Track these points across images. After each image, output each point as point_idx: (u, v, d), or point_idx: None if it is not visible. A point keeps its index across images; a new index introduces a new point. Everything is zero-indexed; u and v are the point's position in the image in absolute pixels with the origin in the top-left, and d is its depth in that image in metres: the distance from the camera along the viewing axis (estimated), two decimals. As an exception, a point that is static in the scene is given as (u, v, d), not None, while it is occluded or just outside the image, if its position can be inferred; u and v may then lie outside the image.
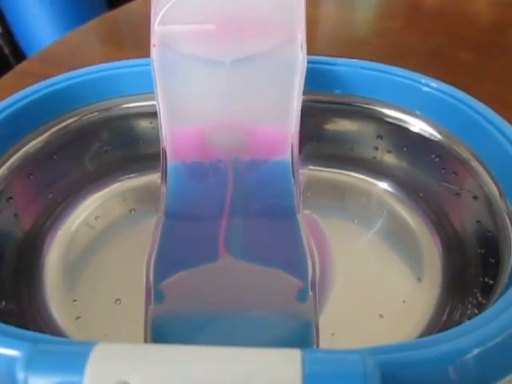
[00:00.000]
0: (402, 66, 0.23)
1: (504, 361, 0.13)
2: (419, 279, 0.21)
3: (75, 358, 0.11)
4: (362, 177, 0.25)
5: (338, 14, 0.47)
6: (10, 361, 0.12)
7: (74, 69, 0.23)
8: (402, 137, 0.23)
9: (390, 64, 0.23)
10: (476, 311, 0.18)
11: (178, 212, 0.21)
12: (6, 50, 0.60)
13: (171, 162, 0.21)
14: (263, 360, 0.12)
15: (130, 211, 0.24)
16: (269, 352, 0.12)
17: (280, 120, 0.20)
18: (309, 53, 0.19)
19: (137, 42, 0.40)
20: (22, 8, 0.58)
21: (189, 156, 0.21)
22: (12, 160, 0.21)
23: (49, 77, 0.23)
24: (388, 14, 0.48)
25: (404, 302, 0.20)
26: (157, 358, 0.12)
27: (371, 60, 0.23)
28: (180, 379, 0.11)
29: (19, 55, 0.60)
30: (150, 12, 0.19)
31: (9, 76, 0.36)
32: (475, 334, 0.13)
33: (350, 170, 0.25)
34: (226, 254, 0.20)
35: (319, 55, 0.23)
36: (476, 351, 0.12)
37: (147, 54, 0.19)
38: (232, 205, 0.21)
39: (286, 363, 0.11)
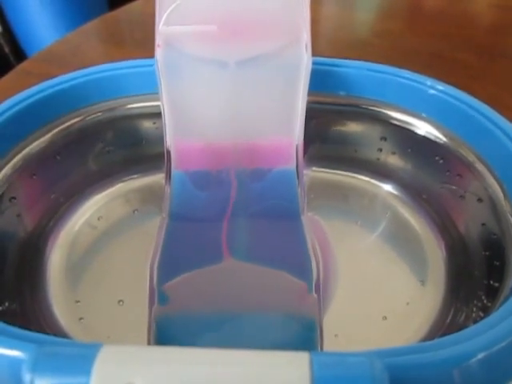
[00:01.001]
0: (402, 68, 0.23)
1: (510, 365, 0.13)
2: (423, 281, 0.21)
3: (82, 360, 0.11)
4: (366, 178, 0.25)
5: (339, 14, 0.47)
6: (16, 362, 0.12)
7: (76, 69, 0.23)
8: (406, 139, 0.23)
9: (390, 65, 0.23)
10: (481, 314, 0.18)
11: (182, 213, 0.21)
12: (7, 49, 0.60)
13: (175, 170, 0.20)
14: (271, 362, 0.12)
15: (133, 212, 0.24)
16: (276, 354, 0.12)
17: (285, 121, 0.20)
18: (312, 54, 0.19)
19: (138, 41, 0.40)
20: (23, 7, 0.58)
21: (192, 165, 0.21)
22: (15, 160, 0.21)
23: (50, 77, 0.23)
24: (389, 16, 0.48)
25: (407, 304, 0.20)
26: (164, 360, 0.12)
27: (372, 61, 0.23)
28: (187, 381, 0.11)
29: (19, 54, 0.60)
30: (151, 12, 0.19)
31: (10, 76, 0.35)
32: (482, 337, 0.13)
33: (354, 172, 0.25)
34: (230, 255, 0.19)
35: (322, 56, 0.23)
36: (482, 355, 0.12)
37: (148, 54, 0.19)
38: (236, 206, 0.21)
39: (294, 366, 0.11)
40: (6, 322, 0.13)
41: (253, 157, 0.21)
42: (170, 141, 0.20)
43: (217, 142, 0.21)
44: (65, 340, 0.16)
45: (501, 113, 0.20)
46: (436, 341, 0.13)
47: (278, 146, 0.21)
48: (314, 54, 0.19)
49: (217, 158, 0.21)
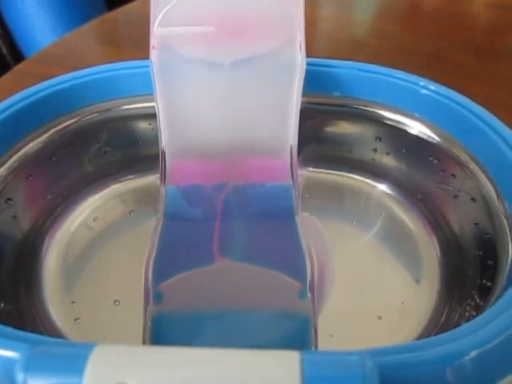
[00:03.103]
0: (400, 68, 0.23)
1: (502, 362, 0.13)
2: (417, 281, 0.21)
3: (75, 360, 0.11)
4: (361, 178, 0.25)
5: (337, 15, 0.47)
6: (9, 362, 0.12)
7: (73, 69, 0.23)
8: (400, 139, 0.23)
9: (388, 66, 0.23)
10: (474, 313, 0.18)
11: (177, 214, 0.21)
12: (5, 51, 0.60)
13: (168, 186, 0.21)
14: (262, 362, 0.12)
15: (129, 212, 0.24)
16: (267, 354, 0.12)
17: (279, 121, 0.20)
18: (307, 54, 0.19)
19: (136, 42, 0.40)
20: (21, 8, 0.58)
21: (186, 181, 0.21)
22: (11, 161, 0.21)
23: (48, 77, 0.23)
24: (387, 16, 0.48)
25: (402, 303, 0.20)
26: (156, 360, 0.12)
27: (370, 62, 0.23)
28: (179, 381, 0.11)
29: (17, 56, 0.60)
30: (149, 13, 0.19)
31: (7, 76, 0.36)
32: (474, 335, 0.13)
33: (349, 172, 0.25)
34: (224, 256, 0.20)
35: (317, 57, 0.23)
36: (474, 353, 0.13)
37: (146, 55, 0.19)
38: (230, 207, 0.21)
39: (285, 365, 0.11)
40: (1, 322, 0.13)
41: (247, 173, 0.21)
42: (164, 143, 0.20)
43: (212, 147, 0.21)
44: (58, 340, 0.16)
45: (497, 113, 0.20)
46: (427, 339, 0.13)
47: (273, 163, 0.21)
48: (312, 54, 0.19)
49: (210, 174, 0.21)
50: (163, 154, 0.21)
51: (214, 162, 0.21)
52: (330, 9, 0.49)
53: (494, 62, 0.39)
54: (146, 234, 0.21)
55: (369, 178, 0.25)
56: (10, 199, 0.21)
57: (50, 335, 0.19)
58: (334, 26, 0.46)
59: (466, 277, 0.20)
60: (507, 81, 0.35)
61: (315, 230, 0.23)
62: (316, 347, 0.17)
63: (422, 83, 0.22)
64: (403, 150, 0.24)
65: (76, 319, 0.20)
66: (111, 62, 0.24)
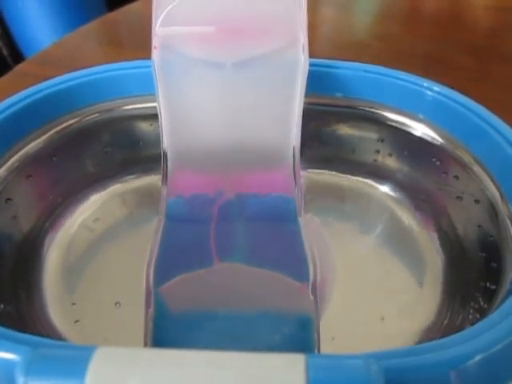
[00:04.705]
0: (400, 70, 0.23)
1: (507, 366, 0.13)
2: (420, 283, 0.21)
3: (76, 363, 0.11)
4: (363, 180, 0.25)
5: (338, 17, 0.47)
6: (10, 365, 0.12)
7: (73, 70, 0.23)
8: (403, 140, 0.23)
9: (387, 67, 0.23)
10: (478, 316, 0.18)
11: (178, 216, 0.21)
12: (5, 51, 0.60)
13: (170, 198, 0.21)
14: (266, 365, 0.12)
15: (130, 213, 0.24)
16: (272, 357, 0.12)
17: (282, 122, 0.20)
18: (309, 56, 0.19)
19: (136, 43, 0.40)
20: (21, 9, 0.58)
21: (187, 192, 0.21)
22: (11, 161, 0.21)
23: (48, 78, 0.23)
24: (387, 18, 0.48)
25: (405, 305, 0.20)
26: (158, 362, 0.12)
27: (370, 63, 0.23)
28: (182, 384, 0.11)
29: (18, 56, 0.60)
30: (150, 13, 0.19)
31: (7, 77, 0.35)
32: (479, 339, 0.13)
33: (351, 173, 0.25)
34: (226, 258, 0.19)
35: (319, 58, 0.23)
36: (479, 357, 0.12)
37: (147, 56, 0.19)
38: (230, 209, 0.21)
39: (290, 368, 0.11)
40: (1, 324, 0.13)
41: (249, 183, 0.21)
42: (166, 144, 0.20)
43: (214, 147, 0.20)
44: (59, 342, 0.16)
45: (498, 115, 0.20)
46: (432, 343, 0.13)
47: (275, 171, 0.21)
48: (312, 56, 0.19)
49: (212, 182, 0.21)
50: (165, 154, 0.20)
51: (215, 169, 0.21)
52: (331, 11, 0.49)
53: (494, 64, 0.39)
54: (147, 235, 0.21)
55: (371, 180, 0.25)
56: (9, 199, 0.21)
57: (50, 337, 0.18)
58: (335, 28, 0.46)
59: (470, 279, 0.20)
60: (508, 83, 0.35)
61: (317, 231, 0.23)
62: (319, 350, 0.17)
63: (425, 84, 0.22)
64: (406, 152, 0.24)
65: (76, 321, 0.19)
66: (112, 63, 0.24)
